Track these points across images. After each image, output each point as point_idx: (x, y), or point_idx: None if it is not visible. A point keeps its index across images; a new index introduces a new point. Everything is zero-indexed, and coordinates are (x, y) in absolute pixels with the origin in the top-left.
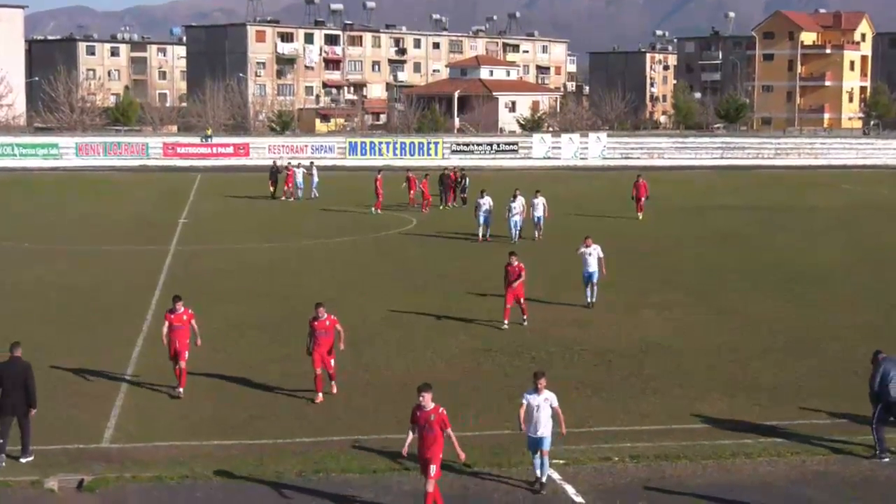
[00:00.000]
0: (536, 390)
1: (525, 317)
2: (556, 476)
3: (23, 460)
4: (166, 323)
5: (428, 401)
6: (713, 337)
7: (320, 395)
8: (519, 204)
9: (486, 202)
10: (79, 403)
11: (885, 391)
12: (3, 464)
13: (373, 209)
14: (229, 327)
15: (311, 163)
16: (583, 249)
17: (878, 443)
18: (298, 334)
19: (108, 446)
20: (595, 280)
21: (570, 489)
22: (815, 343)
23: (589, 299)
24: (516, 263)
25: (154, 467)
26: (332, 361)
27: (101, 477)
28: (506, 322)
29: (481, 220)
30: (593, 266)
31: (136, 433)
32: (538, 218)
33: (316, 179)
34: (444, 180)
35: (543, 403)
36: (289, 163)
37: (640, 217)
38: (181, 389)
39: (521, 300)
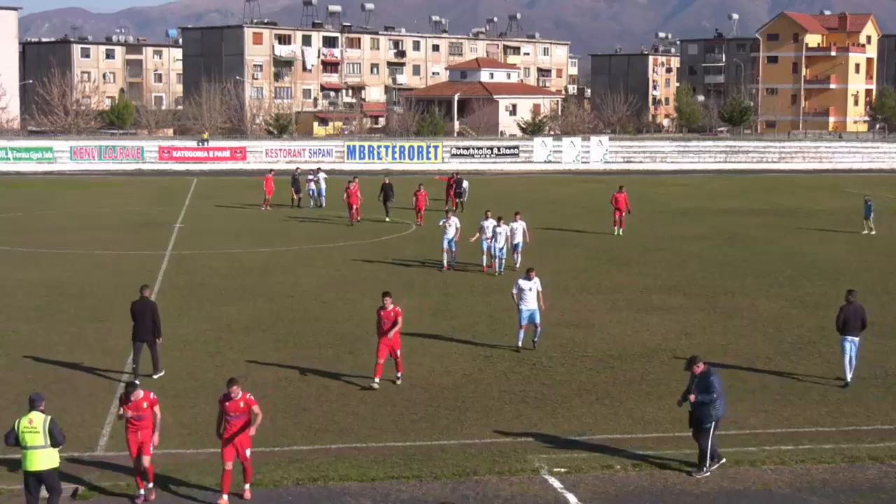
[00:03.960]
0: None
1: (399, 374)
2: (557, 485)
3: (154, 376)
4: (122, 411)
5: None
6: (718, 339)
7: (224, 497)
8: (503, 230)
9: (453, 223)
10: (73, 410)
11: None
12: (139, 381)
13: (348, 219)
14: (224, 330)
15: (318, 168)
16: (521, 283)
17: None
18: (294, 337)
19: (103, 454)
20: (538, 319)
21: (571, 498)
22: (823, 344)
23: (534, 339)
24: (391, 308)
25: None
26: (248, 452)
27: (96, 486)
28: (377, 379)
29: (444, 244)
30: (532, 303)
31: None
32: (516, 244)
33: (324, 186)
34: (385, 189)
35: None
36: (271, 170)
37: (618, 233)
38: (151, 484)
39: (397, 352)
